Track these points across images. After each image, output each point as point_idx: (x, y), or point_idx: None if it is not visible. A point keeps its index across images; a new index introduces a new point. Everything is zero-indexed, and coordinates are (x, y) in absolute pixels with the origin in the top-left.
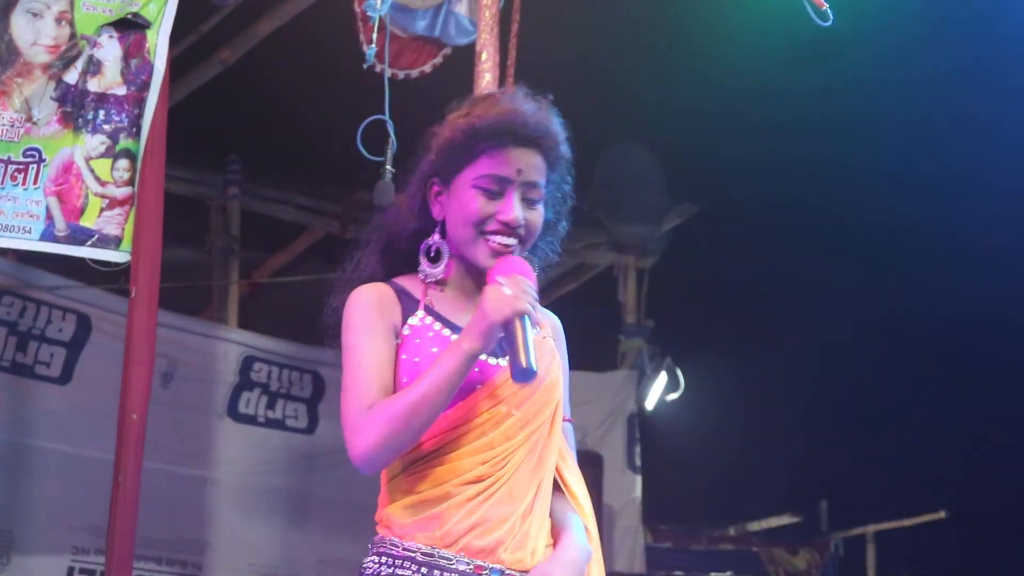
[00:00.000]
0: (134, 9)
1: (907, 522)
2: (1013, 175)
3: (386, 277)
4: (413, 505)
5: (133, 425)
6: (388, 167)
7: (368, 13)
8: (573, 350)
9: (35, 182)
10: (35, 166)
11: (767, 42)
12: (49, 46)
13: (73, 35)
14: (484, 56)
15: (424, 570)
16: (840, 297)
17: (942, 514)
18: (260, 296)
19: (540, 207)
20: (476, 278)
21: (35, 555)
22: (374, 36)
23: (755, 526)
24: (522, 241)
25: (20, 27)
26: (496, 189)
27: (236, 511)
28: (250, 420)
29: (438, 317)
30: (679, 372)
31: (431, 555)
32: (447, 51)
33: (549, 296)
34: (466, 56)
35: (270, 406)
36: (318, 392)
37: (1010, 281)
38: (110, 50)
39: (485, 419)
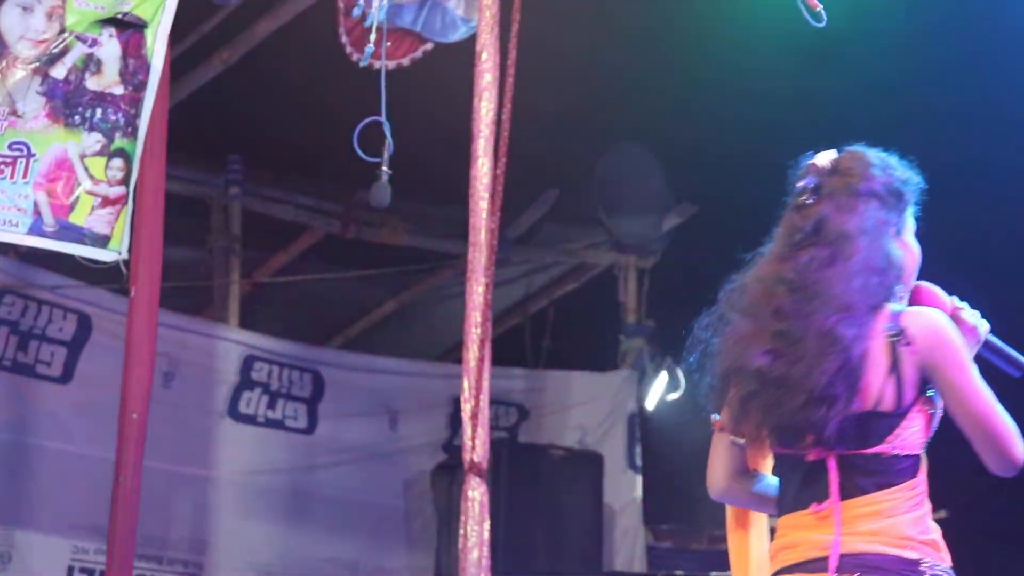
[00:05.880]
0: (126, 8)
1: None
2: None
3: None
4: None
5: (134, 424)
6: (384, 168)
7: (355, 16)
8: (574, 350)
9: (24, 176)
10: (24, 160)
11: (768, 41)
12: (36, 40)
13: (62, 30)
14: (484, 56)
15: None
16: None
17: (942, 514)
18: (261, 296)
19: None
20: None
21: (36, 554)
22: (371, 36)
23: None
24: None
25: (9, 20)
26: None
27: (236, 511)
28: (250, 420)
29: None
30: (679, 372)
31: None
32: (428, 47)
33: (549, 296)
34: (466, 56)
35: (270, 406)
36: (318, 392)
37: (1012, 281)
38: (109, 49)
39: None
